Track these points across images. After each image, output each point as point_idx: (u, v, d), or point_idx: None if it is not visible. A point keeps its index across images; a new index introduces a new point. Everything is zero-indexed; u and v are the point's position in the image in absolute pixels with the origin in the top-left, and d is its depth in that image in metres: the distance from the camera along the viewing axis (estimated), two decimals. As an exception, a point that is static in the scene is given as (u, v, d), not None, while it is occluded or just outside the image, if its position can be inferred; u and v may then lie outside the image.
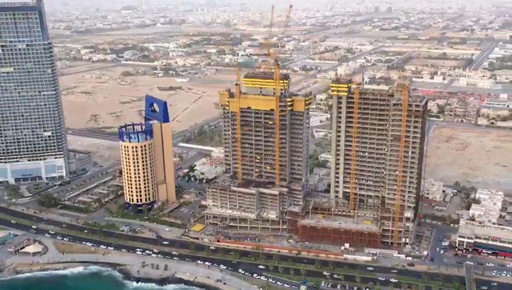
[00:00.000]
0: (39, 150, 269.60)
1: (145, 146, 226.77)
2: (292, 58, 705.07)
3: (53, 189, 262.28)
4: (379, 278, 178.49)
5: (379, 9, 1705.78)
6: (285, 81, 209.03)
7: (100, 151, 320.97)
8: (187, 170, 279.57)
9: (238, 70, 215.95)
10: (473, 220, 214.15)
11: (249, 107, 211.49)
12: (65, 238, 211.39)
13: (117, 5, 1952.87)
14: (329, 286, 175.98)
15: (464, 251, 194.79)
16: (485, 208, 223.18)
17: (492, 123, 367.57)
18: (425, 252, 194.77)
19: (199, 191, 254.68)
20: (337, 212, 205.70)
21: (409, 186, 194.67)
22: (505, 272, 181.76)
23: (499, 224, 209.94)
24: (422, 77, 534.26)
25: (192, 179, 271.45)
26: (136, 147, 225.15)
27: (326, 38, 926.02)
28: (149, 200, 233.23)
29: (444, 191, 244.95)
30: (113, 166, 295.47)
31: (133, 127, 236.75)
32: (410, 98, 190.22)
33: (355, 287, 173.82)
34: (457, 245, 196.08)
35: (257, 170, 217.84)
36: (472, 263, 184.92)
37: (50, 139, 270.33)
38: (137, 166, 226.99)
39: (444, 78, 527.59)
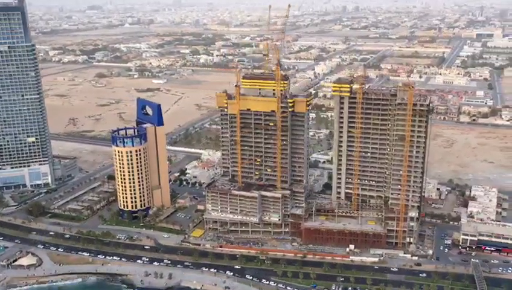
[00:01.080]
0: (23, 157, 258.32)
1: (139, 150, 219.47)
2: (268, 58, 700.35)
3: (39, 197, 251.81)
4: (390, 279, 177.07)
5: (346, 8, 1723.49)
6: (286, 82, 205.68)
7: (84, 156, 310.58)
8: (178, 174, 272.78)
9: (238, 71, 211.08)
10: (472, 217, 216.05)
11: (248, 109, 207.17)
12: (59, 249, 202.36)
13: (81, 5, 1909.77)
14: (340, 289, 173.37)
15: (468, 248, 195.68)
16: (482, 205, 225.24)
17: (474, 120, 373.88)
18: (430, 251, 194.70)
19: (193, 195, 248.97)
20: (341, 213, 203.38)
21: (413, 186, 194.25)
22: (510, 268, 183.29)
23: (497, 221, 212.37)
24: (399, 76, 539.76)
25: (185, 183, 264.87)
26: (131, 152, 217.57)
27: (298, 38, 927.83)
28: (144, 206, 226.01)
29: (438, 189, 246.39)
30: (99, 171, 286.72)
31: (125, 131, 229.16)
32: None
33: (367, 289, 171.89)
34: (460, 243, 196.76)
35: (257, 173, 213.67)
36: (477, 261, 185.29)
37: (34, 145, 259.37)
38: (132, 171, 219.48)
39: (420, 76, 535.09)
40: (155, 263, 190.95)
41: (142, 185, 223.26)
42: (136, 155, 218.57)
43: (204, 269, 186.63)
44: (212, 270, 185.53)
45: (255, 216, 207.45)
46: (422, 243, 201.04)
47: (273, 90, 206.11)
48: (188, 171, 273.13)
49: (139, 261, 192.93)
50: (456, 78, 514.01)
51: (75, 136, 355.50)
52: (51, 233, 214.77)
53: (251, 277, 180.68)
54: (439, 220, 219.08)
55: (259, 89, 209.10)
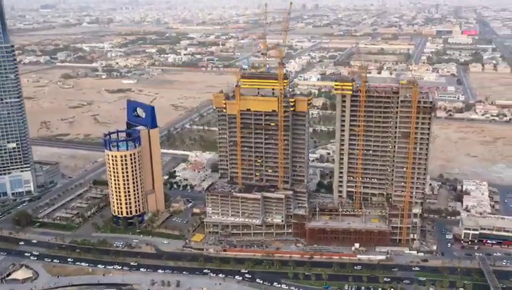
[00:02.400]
0: (3, 164, 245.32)
1: (134, 154, 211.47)
2: (236, 57, 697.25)
3: (23, 205, 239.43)
4: (400, 277, 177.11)
5: (306, 6, 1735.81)
6: (286, 81, 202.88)
7: (63, 161, 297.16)
8: (167, 177, 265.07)
9: (239, 70, 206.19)
10: (468, 211, 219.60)
11: (248, 109, 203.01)
12: (55, 260, 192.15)
13: (33, 4, 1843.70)
14: (353, 288, 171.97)
15: (469, 242, 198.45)
16: (476, 199, 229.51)
17: (450, 115, 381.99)
18: (434, 247, 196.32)
19: (186, 198, 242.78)
20: (345, 212, 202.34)
21: (417, 183, 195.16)
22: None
23: (492, 214, 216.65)
24: (370, 72, 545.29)
25: (175, 186, 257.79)
26: (125, 156, 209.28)
27: (264, 36, 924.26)
28: (139, 211, 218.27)
29: (430, 185, 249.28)
30: (83, 176, 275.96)
31: (117, 135, 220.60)
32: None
33: (381, 288, 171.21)
34: (462, 237, 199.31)
35: (258, 174, 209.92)
36: (482, 255, 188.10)
37: (15, 151, 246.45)
38: (127, 176, 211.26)
39: (390, 73, 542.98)
40: (159, 271, 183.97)
41: (137, 190, 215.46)
42: (131, 159, 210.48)
43: (211, 274, 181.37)
44: (220, 275, 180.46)
45: (258, 218, 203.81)
46: (424, 239, 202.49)
47: (273, 89, 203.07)
48: (177, 173, 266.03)
49: (142, 269, 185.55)
50: (426, 74, 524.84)
51: (51, 141, 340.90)
52: (44, 243, 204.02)
53: (261, 281, 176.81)
54: (437, 216, 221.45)
55: (258, 88, 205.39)
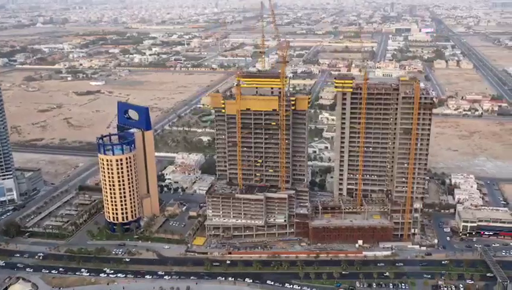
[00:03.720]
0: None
1: (130, 158, 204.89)
2: (203, 56, 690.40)
3: (8, 215, 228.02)
4: (409, 271, 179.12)
5: (264, 5, 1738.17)
6: (286, 80, 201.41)
7: (43, 167, 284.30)
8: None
9: (240, 70, 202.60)
10: (461, 204, 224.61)
11: (247, 109, 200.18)
12: (53, 271, 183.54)
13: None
14: (365, 286, 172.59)
15: (468, 235, 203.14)
16: (467, 192, 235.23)
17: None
18: (435, 241, 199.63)
19: (180, 201, 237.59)
20: (348, 209, 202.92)
21: (418, 178, 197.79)
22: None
23: (484, 206, 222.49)
24: (340, 70, 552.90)
25: (166, 189, 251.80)
26: (121, 160, 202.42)
27: (227, 35, 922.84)
28: (135, 217, 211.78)
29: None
30: (66, 182, 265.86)
31: (109, 138, 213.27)
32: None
33: (392, 284, 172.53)
34: (461, 230, 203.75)
35: (258, 174, 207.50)
36: (483, 247, 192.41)
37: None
38: (123, 181, 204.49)
39: (360, 70, 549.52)
40: (166, 277, 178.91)
41: (133, 194, 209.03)
42: (127, 163, 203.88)
43: (220, 278, 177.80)
44: (230, 279, 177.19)
45: (261, 219, 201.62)
46: (424, 233, 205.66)
47: (272, 88, 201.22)
48: (167, 176, 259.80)
49: (147, 276, 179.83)
50: (394, 71, 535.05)
51: (25, 146, 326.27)
52: (38, 254, 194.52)
53: (272, 282, 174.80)
54: (431, 210, 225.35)
55: (256, 87, 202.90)
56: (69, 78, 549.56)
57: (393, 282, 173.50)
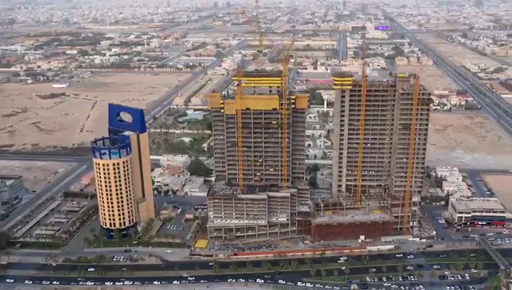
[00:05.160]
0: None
1: (126, 162, 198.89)
2: (166, 56, 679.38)
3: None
4: (414, 264, 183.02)
5: (217, 4, 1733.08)
6: (285, 78, 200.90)
7: (20, 174, 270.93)
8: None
9: (241, 70, 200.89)
10: (451, 195, 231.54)
11: (247, 108, 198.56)
12: (54, 282, 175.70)
13: None
14: (375, 280, 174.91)
15: (463, 225, 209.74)
16: (455, 184, 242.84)
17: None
18: (433, 232, 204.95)
19: (173, 204, 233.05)
20: (349, 206, 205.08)
21: (416, 172, 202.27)
22: (506, 239, 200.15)
23: (472, 197, 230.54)
24: (306, 68, 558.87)
25: (155, 192, 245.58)
26: (118, 164, 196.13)
27: (186, 35, 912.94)
28: (132, 221, 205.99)
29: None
30: (48, 189, 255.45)
31: (103, 142, 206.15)
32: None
33: (401, 277, 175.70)
34: (456, 221, 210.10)
35: (258, 174, 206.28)
36: (481, 236, 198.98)
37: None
38: (120, 185, 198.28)
39: (326, 68, 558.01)
40: (175, 282, 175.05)
41: (130, 199, 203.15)
42: (124, 167, 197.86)
43: (231, 280, 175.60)
44: (241, 280, 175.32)
45: (263, 219, 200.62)
46: (420, 226, 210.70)
47: (270, 87, 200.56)
48: (156, 179, 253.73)
49: (155, 282, 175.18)
50: (359, 68, 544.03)
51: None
52: (34, 265, 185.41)
53: (284, 282, 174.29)
54: (422, 202, 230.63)
55: (254, 86, 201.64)
56: (29, 81, 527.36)
57: (402, 275, 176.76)
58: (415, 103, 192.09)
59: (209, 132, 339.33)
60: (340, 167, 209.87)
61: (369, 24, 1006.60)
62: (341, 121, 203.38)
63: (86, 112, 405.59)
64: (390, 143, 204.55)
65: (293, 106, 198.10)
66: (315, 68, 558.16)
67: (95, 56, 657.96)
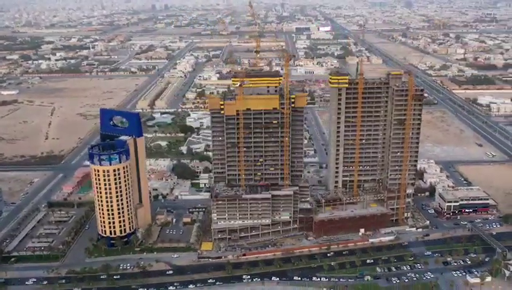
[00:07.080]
0: None
1: (126, 167, 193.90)
2: (116, 60, 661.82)
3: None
4: (417, 253, 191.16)
5: (155, 6, 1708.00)
6: (281, 78, 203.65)
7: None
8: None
9: (243, 70, 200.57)
10: (434, 186, 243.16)
11: (248, 109, 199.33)
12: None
13: None
14: (385, 270, 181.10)
15: (452, 213, 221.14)
16: (435, 175, 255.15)
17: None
18: (427, 222, 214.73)
19: (167, 208, 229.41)
20: (349, 201, 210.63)
21: (410, 165, 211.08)
22: (493, 223, 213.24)
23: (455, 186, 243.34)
24: (263, 69, 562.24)
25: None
26: (118, 170, 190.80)
27: (130, 38, 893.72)
28: (132, 228, 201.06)
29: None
30: (28, 200, 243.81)
31: (99, 147, 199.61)
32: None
33: (409, 266, 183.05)
34: (445, 210, 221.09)
35: (259, 174, 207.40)
36: (474, 222, 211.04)
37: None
38: (120, 192, 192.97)
39: (281, 68, 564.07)
40: (191, 286, 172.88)
41: (130, 205, 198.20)
42: (124, 173, 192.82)
43: (248, 279, 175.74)
44: (256, 279, 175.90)
45: (268, 217, 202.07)
46: (413, 217, 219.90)
47: (268, 87, 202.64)
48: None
49: (171, 287, 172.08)
50: (315, 67, 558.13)
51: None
52: (37, 279, 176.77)
53: (300, 278, 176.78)
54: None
55: (253, 87, 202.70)
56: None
57: (408, 264, 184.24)
58: (410, 99, 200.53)
59: (182, 134, 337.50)
60: (337, 164, 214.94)
61: (312, 25, 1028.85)
62: (338, 118, 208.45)
63: (46, 118, 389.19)
64: (384, 138, 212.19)
65: (292, 105, 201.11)
66: (271, 68, 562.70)
67: (40, 61, 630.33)
